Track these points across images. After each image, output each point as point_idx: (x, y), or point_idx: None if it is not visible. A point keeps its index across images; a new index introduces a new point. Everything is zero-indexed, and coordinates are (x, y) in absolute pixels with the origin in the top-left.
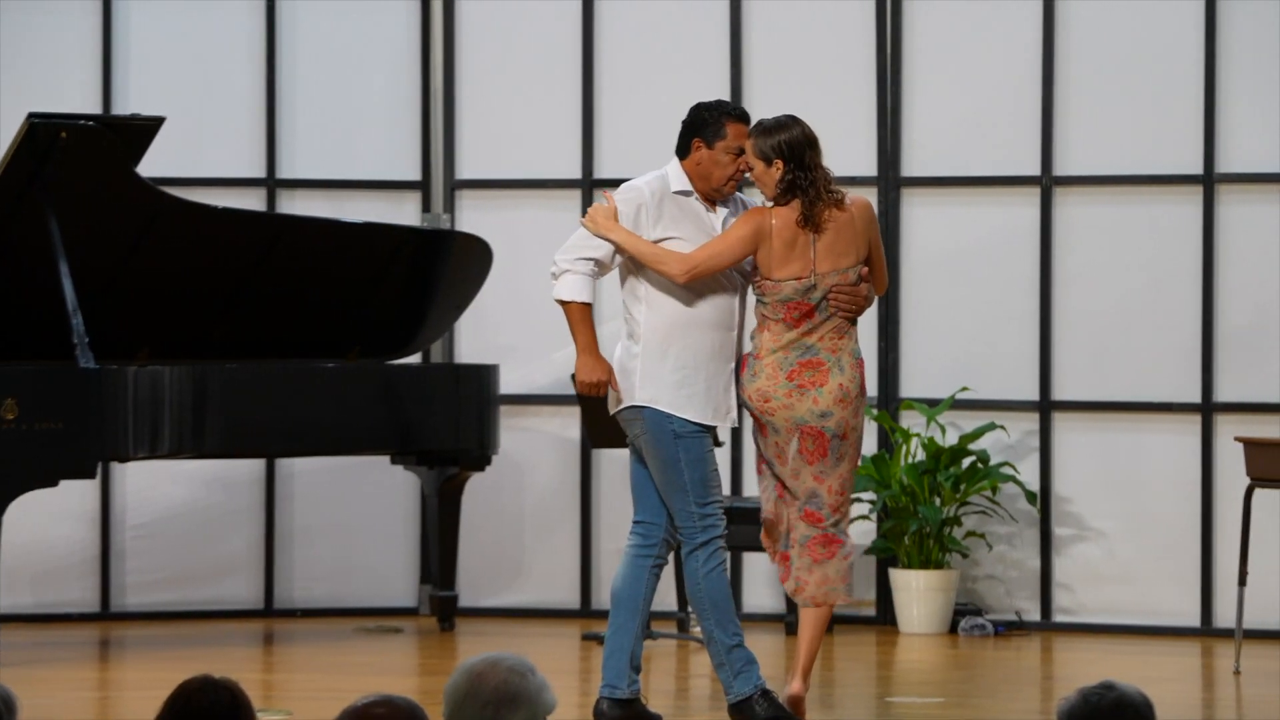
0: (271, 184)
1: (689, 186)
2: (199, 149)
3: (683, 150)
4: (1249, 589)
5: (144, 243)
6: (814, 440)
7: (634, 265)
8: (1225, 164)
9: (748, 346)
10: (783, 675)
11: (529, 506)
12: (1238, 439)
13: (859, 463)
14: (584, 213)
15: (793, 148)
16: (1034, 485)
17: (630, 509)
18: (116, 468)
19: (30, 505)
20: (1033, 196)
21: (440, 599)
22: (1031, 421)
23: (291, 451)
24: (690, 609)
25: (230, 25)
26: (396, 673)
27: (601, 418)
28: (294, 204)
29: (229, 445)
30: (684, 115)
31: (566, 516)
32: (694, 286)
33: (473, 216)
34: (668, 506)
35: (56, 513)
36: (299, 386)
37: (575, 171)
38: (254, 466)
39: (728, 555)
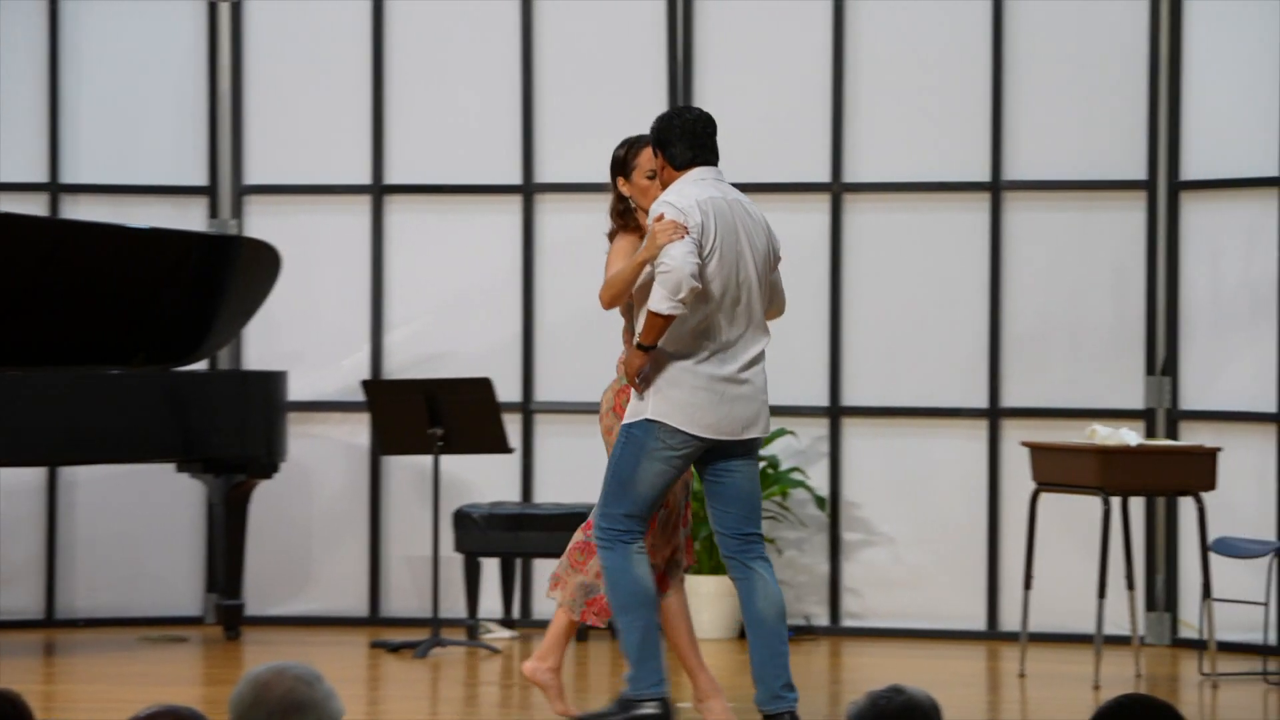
0: (54, 189)
1: None
2: None
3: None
4: (1034, 592)
5: None
6: None
7: None
8: (1012, 171)
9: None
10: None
11: (317, 514)
12: (1024, 444)
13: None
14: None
15: None
16: (824, 490)
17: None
18: None
19: None
20: (823, 203)
21: (226, 607)
22: (821, 427)
23: (74, 460)
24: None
25: (11, 26)
26: (182, 682)
27: (391, 425)
28: (78, 209)
29: (9, 453)
30: (472, 119)
31: (355, 524)
32: None
33: (261, 222)
34: (761, 514)
35: None
36: (82, 394)
37: (365, 177)
38: (35, 474)
39: None
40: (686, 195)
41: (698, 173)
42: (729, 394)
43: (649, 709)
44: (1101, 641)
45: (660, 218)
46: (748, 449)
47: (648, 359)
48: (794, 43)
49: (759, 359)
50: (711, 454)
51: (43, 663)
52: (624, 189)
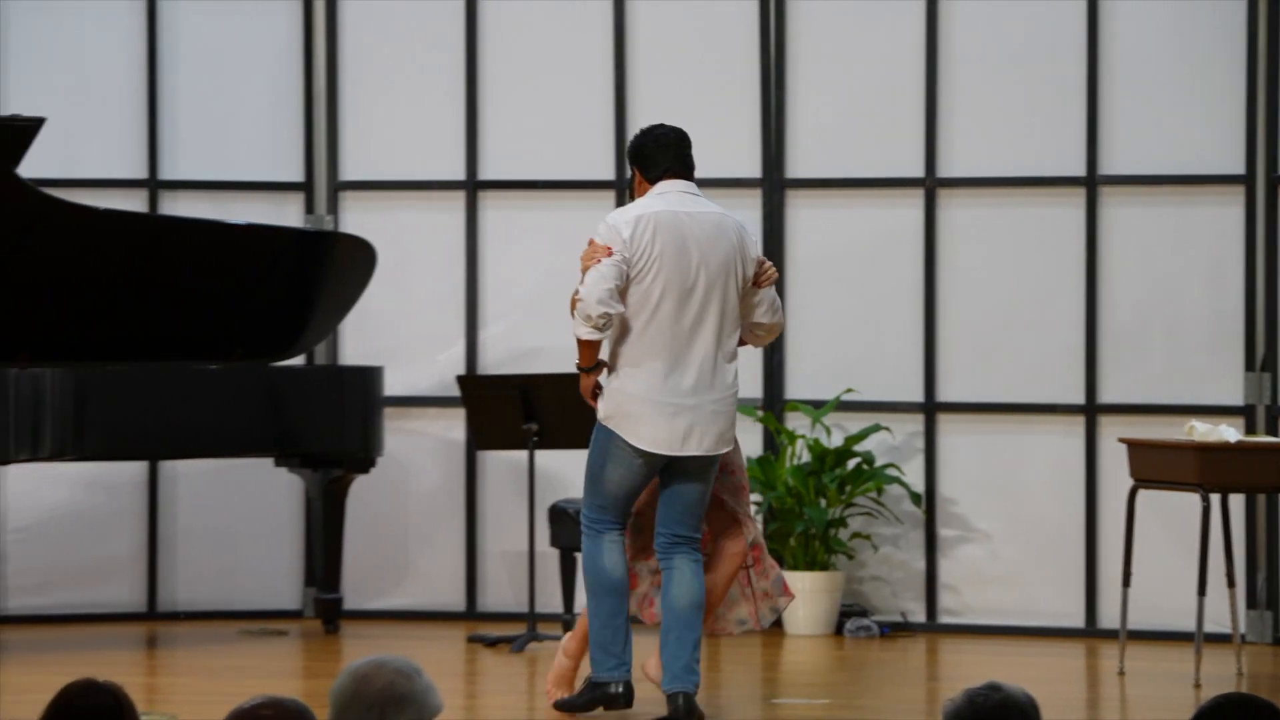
0: (153, 185)
1: None
2: (79, 150)
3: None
4: (1132, 590)
5: (25, 244)
6: None
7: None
8: (1108, 166)
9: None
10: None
11: (414, 508)
12: (1121, 440)
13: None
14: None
15: None
16: (919, 487)
17: (506, 510)
18: None
19: None
20: (916, 198)
21: (325, 601)
22: (916, 423)
23: (173, 454)
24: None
25: (110, 24)
26: (281, 675)
27: (486, 420)
28: (176, 205)
29: (110, 447)
30: (565, 115)
31: (451, 518)
32: None
33: (356, 218)
34: (699, 520)
35: None
36: (180, 389)
37: (459, 173)
38: (136, 469)
39: None
40: (627, 210)
41: (661, 186)
42: (670, 407)
43: (613, 689)
44: (1202, 639)
45: (591, 241)
46: (699, 467)
47: (593, 379)
48: (887, 38)
49: (715, 374)
50: (670, 463)
51: (144, 655)
52: None
